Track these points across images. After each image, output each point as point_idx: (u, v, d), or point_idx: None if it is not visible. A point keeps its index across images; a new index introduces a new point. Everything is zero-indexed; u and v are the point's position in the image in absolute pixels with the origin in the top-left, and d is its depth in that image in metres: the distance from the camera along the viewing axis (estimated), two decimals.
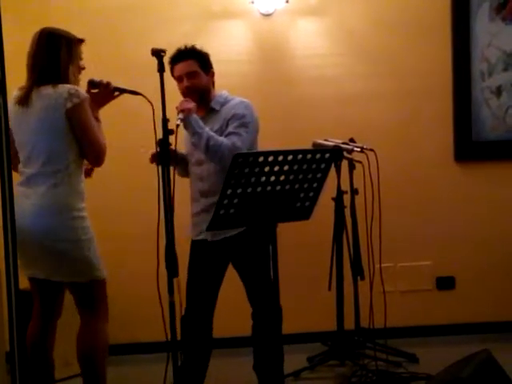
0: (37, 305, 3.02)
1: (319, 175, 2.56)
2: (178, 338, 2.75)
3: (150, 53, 2.70)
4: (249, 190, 2.45)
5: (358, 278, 3.77)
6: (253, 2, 4.15)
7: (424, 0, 4.31)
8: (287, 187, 2.52)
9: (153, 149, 2.75)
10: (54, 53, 2.86)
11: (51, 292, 3.00)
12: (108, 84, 2.96)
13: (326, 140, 3.69)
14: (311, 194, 2.60)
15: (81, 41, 2.96)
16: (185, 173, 3.37)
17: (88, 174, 3.14)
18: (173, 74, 3.24)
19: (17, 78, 3.08)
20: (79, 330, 2.94)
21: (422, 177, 4.36)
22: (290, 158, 2.45)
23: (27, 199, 2.84)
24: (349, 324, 3.89)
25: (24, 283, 3.04)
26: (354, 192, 3.72)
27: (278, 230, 2.69)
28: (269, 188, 2.48)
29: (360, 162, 3.55)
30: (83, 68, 2.99)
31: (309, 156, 2.49)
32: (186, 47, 3.25)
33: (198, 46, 3.27)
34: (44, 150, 2.84)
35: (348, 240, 3.75)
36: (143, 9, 4.18)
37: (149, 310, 3.21)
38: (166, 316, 2.67)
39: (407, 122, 4.34)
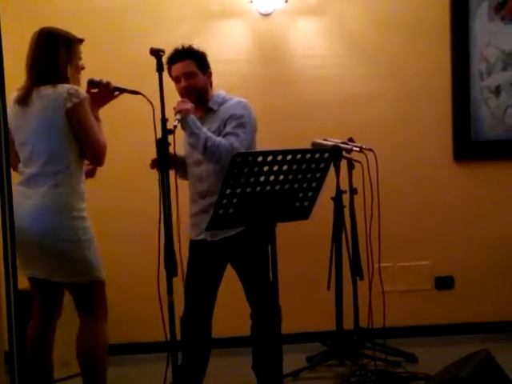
0: (36, 305, 3.02)
1: (318, 175, 2.56)
2: (178, 337, 2.74)
3: (148, 53, 2.70)
4: (248, 189, 2.45)
5: (357, 277, 3.77)
6: (252, 2, 4.15)
7: (423, 0, 4.31)
8: (286, 187, 2.52)
9: (152, 148, 2.74)
10: (53, 53, 2.86)
11: (51, 292, 2.99)
12: (108, 84, 2.96)
13: (325, 140, 3.69)
14: (310, 194, 2.60)
15: (80, 40, 2.96)
16: (186, 176, 3.37)
17: (91, 174, 3.14)
18: (170, 75, 3.24)
19: (16, 78, 3.09)
20: (79, 331, 2.94)
21: (421, 176, 4.36)
22: (289, 157, 2.45)
23: (27, 199, 2.84)
24: (348, 324, 3.89)
25: (24, 283, 3.04)
26: (353, 192, 3.72)
27: (277, 230, 2.69)
28: (268, 188, 2.48)
29: (359, 161, 3.55)
30: (82, 68, 2.99)
31: (308, 156, 2.49)
32: (183, 47, 3.25)
33: (196, 46, 3.27)
34: (44, 150, 2.84)
35: (347, 240, 3.75)
36: (142, 9, 4.18)
37: (148, 310, 3.21)
38: (166, 316, 2.66)
39: (406, 121, 4.34)
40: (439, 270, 4.39)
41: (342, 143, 3.64)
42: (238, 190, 2.43)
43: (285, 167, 2.46)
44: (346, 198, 3.74)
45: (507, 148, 4.36)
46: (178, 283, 3.01)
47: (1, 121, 2.76)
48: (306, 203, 2.62)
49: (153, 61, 2.69)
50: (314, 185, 2.57)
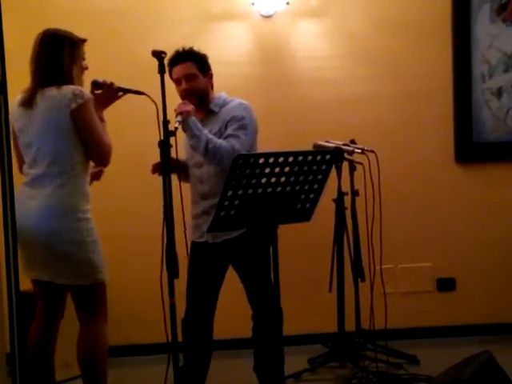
0: (39, 306, 3.02)
1: (320, 176, 2.56)
2: (179, 339, 2.74)
3: (150, 54, 2.70)
4: (249, 191, 2.45)
5: (359, 279, 3.76)
6: (253, 4, 4.15)
7: (425, 2, 4.31)
8: (288, 189, 2.52)
9: (156, 149, 2.74)
10: (57, 54, 2.86)
11: (54, 294, 2.99)
12: (111, 84, 2.96)
13: (326, 141, 3.68)
14: (312, 196, 2.60)
15: (83, 41, 2.96)
16: (188, 179, 3.37)
17: (97, 177, 3.14)
18: (171, 77, 3.24)
19: (17, 78, 3.09)
20: (79, 333, 2.93)
21: (422, 178, 4.36)
22: (290, 159, 2.45)
23: (32, 200, 2.83)
24: (349, 326, 3.89)
25: (26, 285, 3.04)
26: (355, 193, 3.71)
27: (279, 232, 2.69)
28: (269, 189, 2.48)
29: (361, 163, 3.55)
30: (86, 68, 2.99)
31: (309, 157, 2.49)
32: (184, 49, 3.25)
33: (196, 48, 3.27)
34: (49, 151, 2.83)
35: (348, 241, 3.75)
36: (143, 10, 4.19)
37: (149, 312, 3.21)
38: (167, 318, 2.66)
39: (408, 123, 4.34)
40: (441, 271, 4.39)
41: (344, 145, 3.64)
42: (240, 192, 2.44)
43: (286, 169, 2.46)
44: (347, 199, 3.74)
45: (509, 150, 4.35)
46: (181, 285, 3.02)
47: (2, 121, 2.77)
48: (307, 205, 2.62)
49: (154, 62, 2.70)
50: (315, 186, 2.57)
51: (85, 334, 2.92)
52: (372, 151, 3.53)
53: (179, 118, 3.02)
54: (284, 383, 2.89)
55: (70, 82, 2.86)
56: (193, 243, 3.30)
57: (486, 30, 4.29)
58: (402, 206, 4.29)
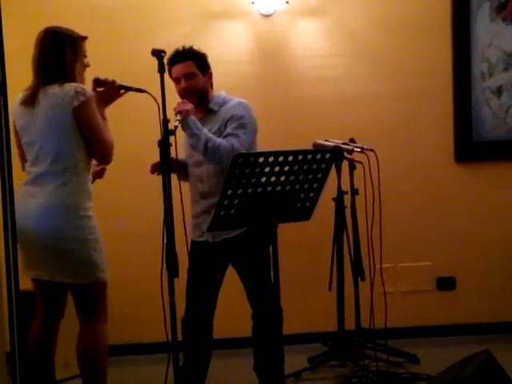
0: (40, 306, 3.01)
1: (320, 175, 2.56)
2: (179, 338, 2.74)
3: (150, 53, 2.70)
4: (249, 190, 2.45)
5: (359, 278, 3.77)
6: (253, 3, 4.15)
7: (424, 1, 4.31)
8: (288, 188, 2.52)
9: (156, 148, 2.74)
10: (60, 52, 2.85)
11: (55, 293, 2.99)
12: (113, 82, 2.95)
13: (326, 140, 3.68)
14: (312, 195, 2.60)
15: (84, 38, 2.96)
16: (187, 178, 3.36)
17: (99, 175, 3.13)
18: (171, 75, 3.24)
19: (17, 77, 3.09)
20: (79, 332, 2.93)
21: (422, 177, 4.36)
22: (290, 158, 2.45)
23: (33, 198, 2.83)
24: (349, 324, 3.89)
25: (27, 284, 3.04)
26: (355, 192, 3.72)
27: (279, 231, 2.69)
28: (269, 188, 2.48)
29: (360, 162, 3.55)
30: (88, 65, 2.99)
31: (309, 156, 2.49)
32: (183, 48, 3.25)
33: (196, 47, 3.27)
34: (52, 149, 2.83)
35: (348, 240, 3.75)
36: (143, 9, 4.18)
37: (149, 311, 3.21)
38: (167, 317, 2.66)
39: (407, 122, 4.34)
40: (440, 270, 4.39)
41: (344, 144, 3.64)
42: (240, 191, 2.43)
43: (286, 168, 2.46)
44: (347, 198, 3.74)
45: (508, 148, 4.35)
46: (181, 284, 3.02)
47: (2, 121, 2.77)
48: (307, 204, 2.62)
49: (154, 61, 2.70)
50: (315, 185, 2.57)
51: (85, 334, 2.91)
52: (372, 150, 3.53)
53: (179, 117, 3.02)
54: (284, 382, 2.88)
55: (73, 79, 2.85)
56: (192, 242, 3.30)
57: (485, 28, 4.29)
58: (401, 205, 4.29)
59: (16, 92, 2.96)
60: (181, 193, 2.79)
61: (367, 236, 3.49)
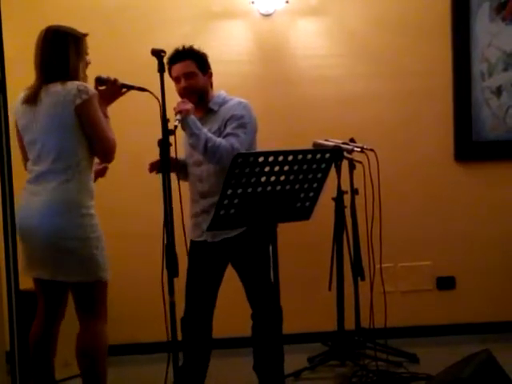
0: (41, 305, 3.01)
1: (319, 175, 2.56)
2: (179, 338, 2.74)
3: (149, 53, 2.70)
4: (249, 190, 2.45)
5: (359, 278, 3.77)
6: (253, 3, 4.15)
7: (424, 0, 4.31)
8: (287, 187, 2.52)
9: (156, 147, 2.74)
10: (63, 50, 2.84)
11: (56, 293, 2.98)
12: (115, 80, 2.95)
13: (326, 140, 3.69)
14: (311, 194, 2.60)
15: (85, 35, 2.95)
16: (187, 178, 3.37)
17: (101, 174, 3.13)
18: (171, 75, 3.24)
19: (17, 77, 3.09)
20: (79, 332, 2.92)
21: (422, 177, 4.36)
22: (290, 158, 2.45)
23: (35, 196, 2.83)
24: (349, 324, 3.89)
25: (28, 283, 3.04)
26: (355, 192, 3.72)
27: (278, 231, 2.69)
28: (269, 188, 2.48)
29: (360, 162, 3.55)
30: (89, 63, 2.99)
31: (309, 156, 2.49)
32: (183, 47, 3.25)
33: (196, 47, 3.27)
34: (54, 148, 2.82)
35: (348, 240, 3.75)
36: (144, 9, 4.19)
37: (149, 311, 3.22)
38: (167, 316, 2.66)
39: (407, 122, 4.34)
40: (440, 270, 4.39)
41: (343, 143, 3.64)
42: (240, 191, 2.43)
43: (286, 168, 2.46)
44: (347, 198, 3.74)
45: (508, 148, 4.36)
46: (181, 284, 3.02)
47: (2, 121, 2.77)
48: (307, 203, 2.62)
49: (154, 61, 2.70)
50: (315, 185, 2.57)
51: (85, 334, 2.91)
52: (371, 150, 3.53)
53: (178, 117, 3.02)
54: (284, 382, 2.88)
55: (76, 77, 2.85)
56: (192, 242, 3.30)
57: (485, 28, 4.29)
58: (401, 205, 4.29)
59: (15, 91, 2.96)
60: (180, 194, 2.79)
61: (367, 236, 3.49)
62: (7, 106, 2.92)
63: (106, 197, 3.79)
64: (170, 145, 2.69)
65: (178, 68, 3.23)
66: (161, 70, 2.68)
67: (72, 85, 2.80)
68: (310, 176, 2.53)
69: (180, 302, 2.99)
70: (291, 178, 2.50)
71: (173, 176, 2.86)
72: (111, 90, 2.95)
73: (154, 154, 2.82)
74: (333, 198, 3.72)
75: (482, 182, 4.38)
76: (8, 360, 2.98)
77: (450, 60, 4.32)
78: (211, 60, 3.32)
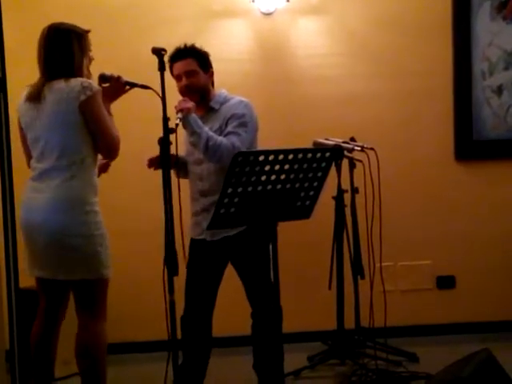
0: (42, 304, 3.01)
1: (320, 174, 2.56)
2: (179, 336, 2.74)
3: (150, 52, 2.70)
4: (249, 188, 2.45)
5: (359, 277, 3.77)
6: (253, 1, 4.15)
7: (424, 0, 4.30)
8: (288, 186, 2.52)
9: (157, 145, 2.74)
10: (67, 48, 2.83)
11: (57, 292, 2.98)
12: (119, 78, 2.95)
13: (326, 139, 3.69)
14: (312, 193, 2.60)
15: (87, 32, 2.95)
16: (187, 176, 3.37)
17: (104, 169, 3.13)
18: (172, 73, 3.24)
19: (17, 75, 3.09)
20: (78, 331, 2.92)
21: (422, 176, 4.36)
22: (290, 156, 2.45)
23: (39, 193, 2.82)
24: (349, 323, 3.89)
25: (30, 282, 3.04)
26: (355, 191, 3.72)
27: (279, 229, 2.69)
28: (269, 187, 2.48)
29: (360, 160, 3.55)
30: (93, 59, 2.98)
31: (309, 155, 2.49)
32: (185, 46, 3.24)
33: (198, 45, 3.27)
34: (57, 145, 2.81)
35: (348, 239, 3.75)
36: (144, 8, 4.18)
37: (149, 309, 3.22)
38: (167, 315, 2.66)
39: (408, 121, 4.34)
40: (440, 269, 4.39)
41: (344, 142, 3.64)
42: (240, 189, 2.43)
43: (286, 166, 2.46)
44: (347, 197, 3.74)
45: (509, 147, 4.35)
46: (181, 282, 3.02)
47: (2, 120, 2.77)
48: (307, 202, 2.62)
49: (154, 60, 2.69)
50: (315, 184, 2.57)
51: (84, 332, 2.90)
52: (372, 149, 3.53)
53: (180, 115, 3.02)
54: (283, 381, 2.88)
55: (81, 74, 2.84)
56: (192, 240, 3.30)
57: (486, 27, 4.29)
58: (401, 204, 4.29)
59: (16, 89, 2.96)
60: (179, 193, 2.79)
61: (367, 234, 3.49)
62: (7, 105, 2.92)
63: (106, 194, 3.79)
64: (171, 143, 2.69)
65: (179, 66, 3.22)
66: (161, 68, 2.68)
67: (76, 81, 2.79)
68: (310, 175, 2.53)
69: (180, 301, 2.99)
70: (291, 176, 2.50)
71: (173, 174, 2.86)
72: (115, 87, 2.95)
73: (156, 152, 2.82)
74: (333, 197, 3.72)
75: (482, 182, 4.38)
76: (8, 359, 2.98)
77: (450, 59, 4.32)
78: (212, 59, 3.32)
